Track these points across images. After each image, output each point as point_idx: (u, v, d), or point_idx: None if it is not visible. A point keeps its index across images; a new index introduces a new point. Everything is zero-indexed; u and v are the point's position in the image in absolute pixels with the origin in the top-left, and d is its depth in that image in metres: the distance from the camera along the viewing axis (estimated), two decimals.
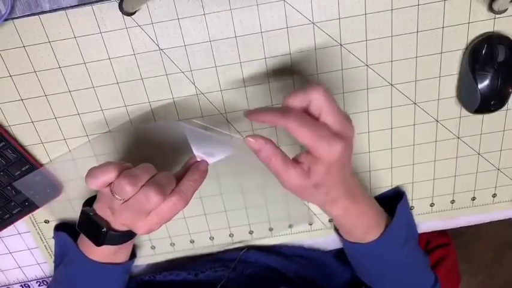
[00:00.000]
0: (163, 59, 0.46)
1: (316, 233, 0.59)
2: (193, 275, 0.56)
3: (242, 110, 0.49)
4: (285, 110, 0.38)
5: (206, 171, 0.43)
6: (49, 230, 0.56)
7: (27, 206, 0.52)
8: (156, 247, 0.59)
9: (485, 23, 0.45)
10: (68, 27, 0.44)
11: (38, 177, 0.50)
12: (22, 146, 0.50)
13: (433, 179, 0.55)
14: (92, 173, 0.40)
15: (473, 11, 0.45)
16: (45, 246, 0.57)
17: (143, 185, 0.39)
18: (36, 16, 0.43)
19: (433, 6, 0.44)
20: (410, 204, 0.57)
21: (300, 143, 0.38)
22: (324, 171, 0.39)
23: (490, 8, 0.44)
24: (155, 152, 0.50)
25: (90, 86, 0.47)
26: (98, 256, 0.48)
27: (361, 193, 0.45)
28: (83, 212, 0.44)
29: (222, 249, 0.60)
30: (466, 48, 0.47)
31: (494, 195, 0.56)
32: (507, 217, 0.59)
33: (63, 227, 0.54)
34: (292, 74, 0.47)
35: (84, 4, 0.42)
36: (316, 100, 0.38)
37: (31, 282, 0.62)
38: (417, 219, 0.58)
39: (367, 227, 0.48)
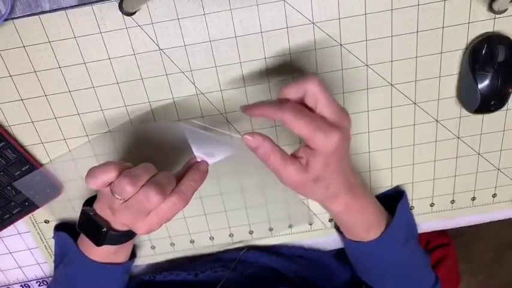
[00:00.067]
0: (163, 59, 0.46)
1: (316, 233, 0.59)
2: (193, 275, 0.56)
3: None
4: (281, 103, 0.39)
5: (206, 171, 0.43)
6: (49, 230, 0.56)
7: (27, 206, 0.52)
8: (156, 247, 0.59)
9: (485, 23, 0.45)
10: (68, 27, 0.44)
11: (38, 177, 0.50)
12: (22, 146, 0.50)
13: (433, 179, 0.55)
14: (92, 172, 0.40)
15: (473, 11, 0.45)
16: (45, 246, 0.57)
17: (143, 185, 0.39)
18: (36, 16, 0.43)
19: (433, 6, 0.44)
20: (410, 204, 0.57)
21: (298, 136, 0.38)
22: (322, 163, 0.39)
23: (490, 8, 0.44)
24: (155, 152, 0.50)
25: (90, 86, 0.47)
26: (98, 256, 0.48)
27: (361, 190, 0.45)
28: (83, 212, 0.44)
29: (222, 249, 0.60)
30: (466, 48, 0.47)
31: (494, 195, 0.56)
32: (507, 217, 0.59)
33: (63, 227, 0.54)
34: (292, 74, 0.47)
35: (84, 4, 0.42)
36: (311, 91, 0.38)
37: (31, 282, 0.62)
38: (417, 219, 0.58)
39: (368, 224, 0.48)
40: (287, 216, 0.57)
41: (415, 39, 0.46)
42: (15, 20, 0.43)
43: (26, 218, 0.54)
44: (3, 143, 0.48)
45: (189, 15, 0.44)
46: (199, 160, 0.43)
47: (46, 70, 0.46)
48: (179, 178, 0.42)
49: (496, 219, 0.59)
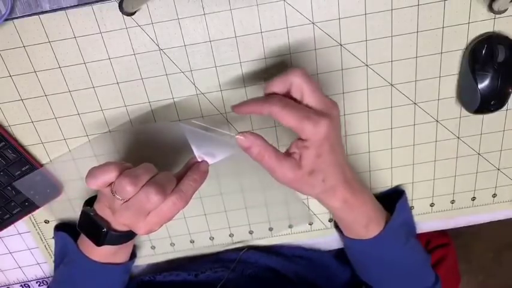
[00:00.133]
0: (163, 59, 0.46)
1: (316, 233, 0.59)
2: (193, 275, 0.56)
3: None
4: (267, 97, 0.39)
5: (207, 171, 0.43)
6: (49, 230, 0.56)
7: (27, 206, 0.52)
8: (156, 247, 0.59)
9: (485, 23, 0.45)
10: (68, 27, 0.44)
11: (38, 177, 0.50)
12: (22, 146, 0.50)
13: (433, 179, 0.55)
14: (92, 173, 0.40)
15: (473, 11, 0.45)
16: (45, 246, 0.57)
17: (144, 185, 0.39)
18: (36, 16, 0.43)
19: (433, 6, 0.44)
20: (410, 205, 0.57)
21: (287, 128, 0.39)
22: (315, 154, 0.39)
23: (490, 8, 0.44)
24: (155, 152, 0.50)
25: (90, 86, 0.47)
26: (98, 256, 0.48)
27: (359, 185, 0.45)
28: (83, 212, 0.44)
29: (222, 249, 0.60)
30: (466, 48, 0.47)
31: (494, 195, 0.56)
32: (507, 217, 0.59)
33: (63, 227, 0.54)
34: None
35: (84, 4, 0.42)
36: (295, 83, 0.39)
37: (31, 282, 0.62)
38: (417, 219, 0.58)
39: (367, 221, 0.47)
40: (287, 216, 0.57)
41: (415, 39, 0.46)
42: (15, 20, 0.43)
43: (26, 218, 0.54)
44: (3, 143, 0.48)
45: (189, 15, 0.44)
46: (199, 160, 0.43)
47: (46, 70, 0.46)
48: (179, 178, 0.42)
49: (496, 219, 0.59)
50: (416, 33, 0.46)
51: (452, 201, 0.57)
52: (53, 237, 0.55)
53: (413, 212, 0.57)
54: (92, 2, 0.42)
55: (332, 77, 0.48)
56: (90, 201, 0.47)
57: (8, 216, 0.52)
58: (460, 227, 0.60)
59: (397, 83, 0.48)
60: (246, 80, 0.47)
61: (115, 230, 0.43)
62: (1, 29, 0.43)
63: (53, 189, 0.52)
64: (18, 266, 0.60)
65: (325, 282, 0.59)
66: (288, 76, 0.39)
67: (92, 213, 0.43)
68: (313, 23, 0.45)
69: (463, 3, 0.44)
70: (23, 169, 0.49)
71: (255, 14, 0.44)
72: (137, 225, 0.40)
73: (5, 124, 0.49)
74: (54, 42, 0.44)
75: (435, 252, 0.79)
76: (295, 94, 0.40)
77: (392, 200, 0.52)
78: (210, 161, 0.43)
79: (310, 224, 0.58)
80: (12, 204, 0.51)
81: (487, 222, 0.60)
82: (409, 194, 0.56)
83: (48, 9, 0.43)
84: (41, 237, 0.57)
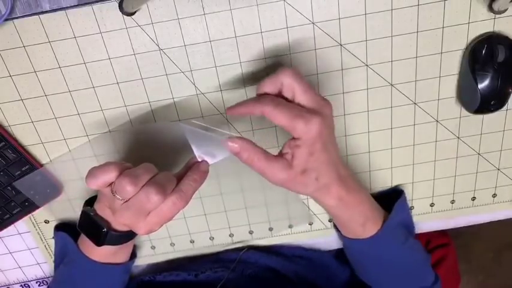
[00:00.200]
0: (163, 59, 0.46)
1: (316, 233, 0.59)
2: (193, 275, 0.56)
3: None
4: (259, 97, 0.40)
5: (207, 171, 0.43)
6: (49, 230, 0.56)
7: (27, 206, 0.52)
8: (156, 247, 0.59)
9: (485, 23, 0.45)
10: (68, 27, 0.44)
11: (38, 177, 0.50)
12: (22, 146, 0.50)
13: (433, 179, 0.55)
14: (92, 173, 0.40)
15: (473, 11, 0.45)
16: (45, 246, 0.57)
17: (144, 185, 0.39)
18: (36, 16, 0.43)
19: (433, 6, 0.44)
20: (410, 205, 0.57)
21: (279, 127, 0.39)
22: (307, 153, 0.39)
23: (490, 8, 0.44)
24: (155, 152, 0.50)
25: (90, 86, 0.47)
26: (98, 256, 0.48)
27: (354, 183, 0.45)
28: (83, 212, 0.44)
29: (222, 249, 0.60)
30: (466, 48, 0.47)
31: (494, 195, 0.56)
32: (507, 217, 0.59)
33: (63, 227, 0.54)
34: None
35: (84, 4, 0.42)
36: (286, 82, 0.39)
37: (31, 282, 0.62)
38: (417, 219, 0.58)
39: (363, 220, 0.47)
40: (287, 216, 0.57)
41: (415, 39, 0.46)
42: (15, 20, 0.43)
43: (26, 218, 0.54)
44: (3, 143, 0.48)
45: (189, 15, 0.44)
46: (199, 160, 0.43)
47: (46, 70, 0.46)
48: (179, 178, 0.42)
49: (496, 219, 0.59)
50: (416, 33, 0.46)
51: (452, 201, 0.57)
52: (53, 237, 0.55)
53: (413, 212, 0.57)
54: (92, 2, 0.42)
55: (332, 77, 0.48)
56: (90, 201, 0.48)
57: (8, 216, 0.52)
58: (460, 227, 0.60)
59: (397, 83, 0.48)
60: (245, 80, 0.47)
61: (115, 230, 0.43)
62: (1, 29, 0.43)
63: (53, 189, 0.52)
64: (18, 266, 0.60)
65: (325, 282, 0.59)
66: (278, 76, 0.39)
67: (92, 213, 0.43)
68: (313, 23, 0.45)
69: (463, 3, 0.44)
70: (23, 169, 0.49)
71: (255, 14, 0.44)
72: (137, 225, 0.40)
73: (5, 124, 0.49)
74: (54, 42, 0.44)
75: (435, 252, 0.79)
76: (287, 94, 0.40)
77: (391, 200, 0.52)
78: (210, 161, 0.43)
79: (310, 224, 0.58)
80: (12, 204, 0.51)
81: (487, 222, 0.60)
82: (409, 194, 0.56)
83: (48, 9, 0.43)
84: (41, 237, 0.57)
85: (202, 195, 0.55)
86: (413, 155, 0.53)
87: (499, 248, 1.46)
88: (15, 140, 0.49)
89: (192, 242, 0.59)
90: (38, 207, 0.53)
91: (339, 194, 0.43)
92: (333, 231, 0.58)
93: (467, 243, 1.40)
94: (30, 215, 0.53)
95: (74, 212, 0.55)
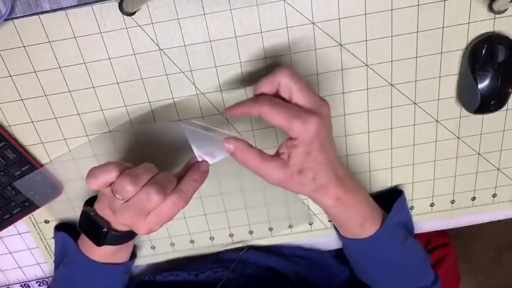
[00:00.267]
0: (163, 59, 0.46)
1: (316, 233, 0.59)
2: (193, 275, 0.56)
3: None
4: (257, 97, 0.40)
5: (207, 171, 0.43)
6: (49, 230, 0.56)
7: (27, 206, 0.52)
8: (156, 247, 0.59)
9: (485, 23, 0.45)
10: (68, 27, 0.44)
11: (38, 177, 0.50)
12: (22, 146, 0.50)
13: (433, 179, 0.55)
14: (92, 172, 0.40)
15: (473, 11, 0.45)
16: (45, 246, 0.57)
17: (144, 185, 0.39)
18: (36, 16, 0.43)
19: (433, 6, 0.44)
20: (410, 205, 0.57)
21: (276, 127, 0.39)
22: (303, 153, 0.39)
23: (490, 8, 0.44)
24: (155, 152, 0.50)
25: (90, 86, 0.47)
26: (98, 256, 0.48)
27: (352, 183, 0.45)
28: (83, 212, 0.44)
29: (222, 249, 0.60)
30: (466, 48, 0.47)
31: (494, 195, 0.56)
32: (507, 217, 0.59)
33: (64, 227, 0.54)
34: None
35: (84, 4, 0.42)
36: (283, 82, 0.39)
37: (31, 282, 0.62)
38: (417, 219, 0.58)
39: (362, 220, 0.47)
40: (287, 216, 0.57)
41: (415, 39, 0.46)
42: (15, 20, 0.43)
43: (26, 218, 0.54)
44: (3, 143, 0.48)
45: (189, 15, 0.44)
46: (199, 160, 0.43)
47: (46, 70, 0.46)
48: (180, 178, 0.42)
49: (496, 219, 0.59)
50: (416, 33, 0.46)
51: (452, 201, 0.57)
52: (53, 237, 0.55)
53: (413, 212, 0.57)
54: (92, 2, 0.42)
55: (332, 77, 0.48)
56: (90, 201, 0.48)
57: (8, 216, 0.52)
58: (460, 227, 0.60)
59: (397, 83, 0.48)
60: (245, 80, 0.47)
61: (115, 230, 0.43)
62: (1, 29, 0.43)
63: (53, 189, 0.52)
64: (18, 266, 0.60)
65: (325, 282, 0.59)
66: (275, 76, 0.39)
67: (92, 213, 0.43)
68: (313, 23, 0.45)
69: (463, 3, 0.44)
70: (23, 169, 0.49)
71: (255, 14, 0.44)
72: (138, 225, 0.40)
73: (5, 124, 0.49)
74: (54, 42, 0.44)
75: (435, 252, 0.79)
76: (284, 94, 0.40)
77: (391, 199, 0.52)
78: (210, 161, 0.43)
79: (310, 224, 0.58)
80: (12, 204, 0.51)
81: (487, 222, 0.60)
82: (409, 194, 0.56)
83: (48, 9, 0.43)
84: (41, 237, 0.57)
85: (202, 195, 0.55)
86: (413, 155, 0.53)
87: (499, 248, 1.46)
88: (15, 140, 0.49)
89: (192, 242, 0.59)
90: (38, 207, 0.53)
91: (337, 194, 0.43)
92: (333, 231, 0.58)
93: (467, 243, 1.40)
94: (30, 215, 0.53)
95: (74, 212, 0.55)
